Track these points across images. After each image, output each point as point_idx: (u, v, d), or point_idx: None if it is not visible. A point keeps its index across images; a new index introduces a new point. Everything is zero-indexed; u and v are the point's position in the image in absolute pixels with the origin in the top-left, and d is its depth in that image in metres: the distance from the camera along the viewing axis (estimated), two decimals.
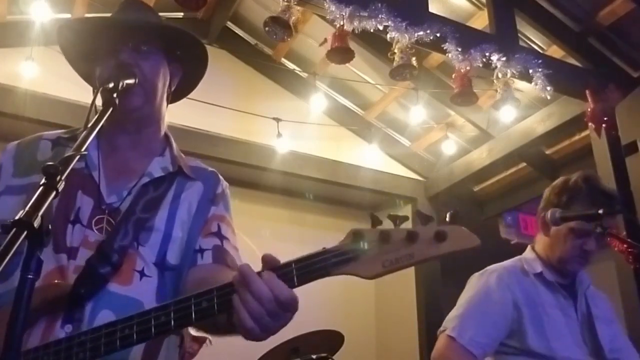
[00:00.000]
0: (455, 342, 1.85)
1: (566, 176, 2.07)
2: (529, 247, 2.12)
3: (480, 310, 1.92)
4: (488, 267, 2.05)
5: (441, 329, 1.95)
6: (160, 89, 1.34)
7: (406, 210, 5.10)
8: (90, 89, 1.40)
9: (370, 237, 0.97)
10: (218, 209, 1.35)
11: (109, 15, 1.42)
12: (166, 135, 1.41)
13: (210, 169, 1.43)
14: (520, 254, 2.14)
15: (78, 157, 0.97)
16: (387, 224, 1.00)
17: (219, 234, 1.31)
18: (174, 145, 1.40)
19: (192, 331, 1.33)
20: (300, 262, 0.97)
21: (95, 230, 1.19)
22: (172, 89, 1.42)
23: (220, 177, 1.42)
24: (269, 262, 0.97)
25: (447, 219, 0.98)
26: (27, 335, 1.06)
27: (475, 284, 2.01)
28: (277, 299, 0.93)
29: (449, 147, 4.85)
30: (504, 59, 3.32)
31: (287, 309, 0.95)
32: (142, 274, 1.18)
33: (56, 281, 1.12)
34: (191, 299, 0.98)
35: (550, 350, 1.86)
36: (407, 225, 0.99)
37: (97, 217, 1.21)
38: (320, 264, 0.96)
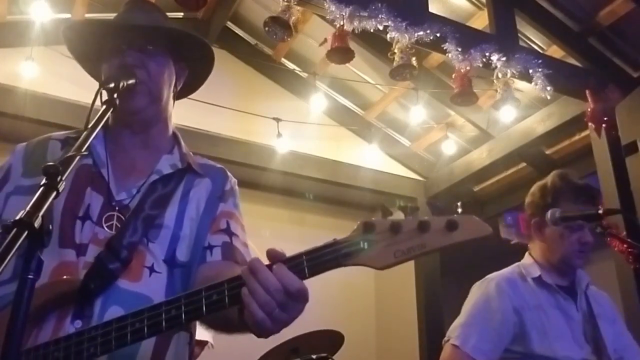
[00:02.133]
0: (459, 350, 1.87)
1: (540, 181, 2.14)
2: (526, 254, 2.15)
3: (481, 318, 1.94)
4: (488, 276, 2.07)
5: (445, 339, 1.96)
6: (165, 89, 1.35)
7: None
8: (90, 88, 1.40)
9: (381, 228, 0.96)
10: (226, 206, 1.35)
11: (114, 15, 1.43)
12: (174, 134, 1.42)
13: (218, 165, 1.44)
14: (521, 253, 2.16)
15: (78, 157, 0.98)
16: (397, 215, 0.99)
17: (227, 231, 1.31)
18: (183, 143, 1.41)
19: (198, 334, 1.33)
20: (311, 254, 0.96)
21: (106, 227, 1.20)
22: (178, 88, 1.43)
23: (229, 173, 1.43)
24: (275, 256, 0.97)
25: (459, 209, 0.97)
26: (37, 331, 1.07)
27: (475, 292, 2.04)
28: (286, 289, 0.93)
29: (449, 147, 4.85)
30: (504, 59, 3.31)
31: (298, 299, 0.94)
32: (151, 270, 1.18)
33: (65, 277, 1.12)
34: (202, 292, 0.97)
35: (552, 351, 1.87)
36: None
37: (108, 214, 1.21)
38: (331, 255, 0.96)
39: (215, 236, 1.29)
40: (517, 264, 2.12)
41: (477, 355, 1.85)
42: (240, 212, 1.39)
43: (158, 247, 1.21)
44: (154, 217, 1.22)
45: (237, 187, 1.43)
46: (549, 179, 2.09)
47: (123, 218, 1.21)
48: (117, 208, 1.22)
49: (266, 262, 0.98)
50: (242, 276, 0.95)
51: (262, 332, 0.96)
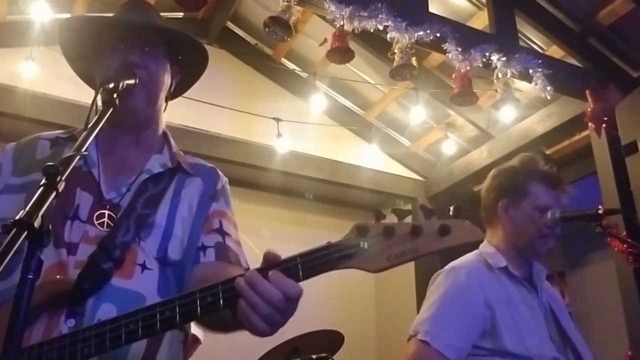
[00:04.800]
0: (429, 346, 1.73)
1: (506, 165, 2.13)
2: (484, 242, 2.05)
3: (452, 311, 1.82)
4: (454, 264, 1.96)
5: (411, 332, 1.82)
6: (162, 91, 1.35)
7: None
8: (90, 88, 1.41)
9: (375, 232, 0.97)
10: (219, 205, 1.36)
11: (112, 15, 1.43)
12: (164, 133, 1.42)
13: (209, 165, 1.44)
14: None
15: (78, 157, 0.98)
16: (390, 219, 1.00)
17: (220, 231, 1.31)
18: (172, 142, 1.41)
19: (193, 330, 1.33)
20: (305, 257, 0.97)
21: (97, 225, 1.20)
22: (171, 90, 1.43)
23: (220, 172, 1.44)
24: (271, 260, 0.97)
25: (451, 213, 0.99)
26: (30, 331, 1.06)
27: (443, 282, 1.90)
28: (287, 297, 0.93)
29: (449, 147, 4.85)
30: (504, 59, 3.31)
31: (295, 302, 0.96)
32: (143, 267, 1.19)
33: (58, 277, 1.12)
34: (196, 293, 0.98)
35: (525, 348, 1.78)
36: (410, 220, 0.99)
37: (98, 212, 1.22)
38: (325, 258, 0.97)
39: (208, 236, 1.30)
40: (476, 252, 2.01)
41: (448, 352, 1.71)
42: (233, 210, 1.40)
43: (150, 245, 1.21)
44: (146, 216, 1.23)
45: (228, 186, 1.43)
46: (516, 162, 2.08)
47: (114, 216, 1.21)
48: (107, 207, 1.23)
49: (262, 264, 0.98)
50: (240, 291, 0.95)
51: (260, 335, 0.97)
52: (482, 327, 1.81)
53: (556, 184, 2.00)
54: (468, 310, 1.82)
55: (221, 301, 0.97)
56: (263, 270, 0.96)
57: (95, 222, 1.20)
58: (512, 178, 2.03)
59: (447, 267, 1.96)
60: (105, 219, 1.21)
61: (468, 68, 3.32)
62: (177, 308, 0.97)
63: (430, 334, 1.75)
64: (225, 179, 1.43)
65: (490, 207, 2.06)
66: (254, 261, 1.01)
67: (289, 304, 0.94)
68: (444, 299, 1.85)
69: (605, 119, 3.57)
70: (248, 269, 1.29)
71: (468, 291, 1.86)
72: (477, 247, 2.05)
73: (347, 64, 3.79)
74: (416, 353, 1.76)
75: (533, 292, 1.95)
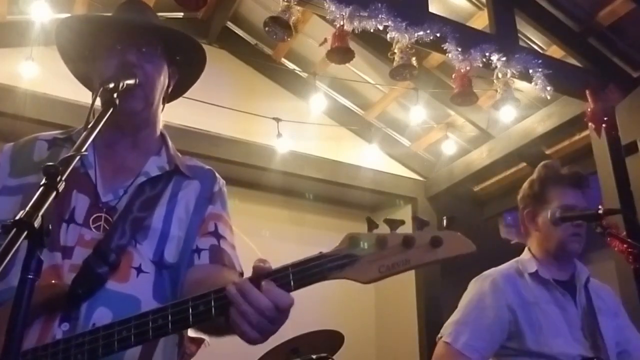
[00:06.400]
0: (451, 347, 1.91)
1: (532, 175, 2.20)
2: (525, 250, 2.16)
3: (474, 315, 1.97)
4: (484, 272, 2.09)
5: (439, 335, 2.00)
6: (159, 92, 1.34)
7: (406, 210, 5.10)
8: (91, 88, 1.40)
9: (367, 242, 0.98)
10: (215, 208, 1.35)
11: (110, 14, 1.43)
12: (162, 135, 1.41)
13: (207, 167, 1.43)
14: (521, 254, 2.16)
15: (78, 157, 0.97)
16: (383, 228, 1.00)
17: (215, 233, 1.31)
18: (170, 144, 1.41)
19: (191, 333, 1.33)
20: (297, 267, 0.98)
21: (93, 229, 1.19)
22: (168, 92, 1.42)
23: (217, 175, 1.43)
24: (260, 271, 0.97)
25: (444, 224, 0.99)
26: (24, 335, 1.06)
27: (471, 289, 2.07)
28: (277, 307, 0.94)
29: (449, 147, 4.85)
30: (504, 59, 3.31)
31: (285, 312, 0.96)
32: (139, 270, 1.18)
33: (53, 281, 1.11)
34: (188, 302, 0.98)
35: (548, 347, 1.88)
36: (405, 227, 0.99)
37: (95, 215, 1.21)
38: (317, 269, 0.97)
39: (203, 239, 1.29)
40: (515, 259, 2.14)
41: (469, 352, 1.88)
42: (229, 213, 1.39)
43: (146, 248, 1.21)
44: (142, 219, 1.22)
45: (225, 189, 1.42)
46: (535, 172, 2.16)
47: (110, 219, 1.21)
48: (104, 209, 1.22)
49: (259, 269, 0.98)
50: (230, 299, 0.96)
51: (251, 343, 0.98)
52: (506, 329, 1.94)
53: (577, 183, 2.07)
54: (488, 314, 1.95)
55: (213, 310, 0.97)
56: (254, 280, 0.96)
57: (91, 226, 1.19)
58: (531, 187, 2.13)
59: (480, 274, 2.10)
60: (102, 222, 1.20)
61: (468, 68, 3.32)
62: (170, 316, 0.98)
63: (452, 336, 1.93)
64: (222, 182, 1.42)
65: (521, 217, 2.18)
66: (254, 261, 1.01)
67: (279, 314, 0.95)
68: (468, 305, 2.01)
69: (605, 119, 3.57)
70: (242, 272, 1.29)
71: (489, 297, 1.98)
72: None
73: (347, 64, 3.78)
74: (441, 353, 1.95)
75: (567, 294, 2.01)
